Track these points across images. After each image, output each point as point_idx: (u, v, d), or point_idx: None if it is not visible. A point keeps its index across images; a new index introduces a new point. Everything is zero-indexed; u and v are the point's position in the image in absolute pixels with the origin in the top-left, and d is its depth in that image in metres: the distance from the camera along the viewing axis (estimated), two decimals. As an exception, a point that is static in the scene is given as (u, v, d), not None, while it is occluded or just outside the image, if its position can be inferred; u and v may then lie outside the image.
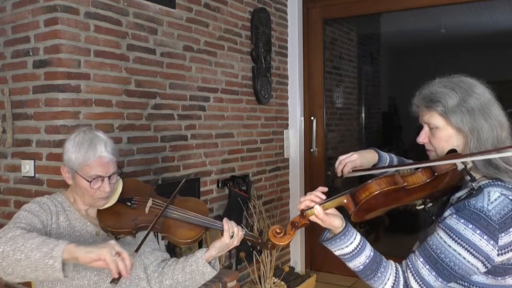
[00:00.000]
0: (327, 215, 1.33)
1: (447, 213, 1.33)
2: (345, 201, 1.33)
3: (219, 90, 3.13)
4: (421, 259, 1.31)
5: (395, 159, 1.78)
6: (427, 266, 1.30)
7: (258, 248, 1.76)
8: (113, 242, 1.35)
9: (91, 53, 2.29)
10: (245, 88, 3.39)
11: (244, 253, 3.08)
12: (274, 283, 3.24)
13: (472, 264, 1.26)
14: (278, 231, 1.38)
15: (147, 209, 1.68)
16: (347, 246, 1.35)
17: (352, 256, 1.35)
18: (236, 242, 1.66)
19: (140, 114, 2.55)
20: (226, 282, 2.73)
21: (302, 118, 3.95)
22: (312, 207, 1.34)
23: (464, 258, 1.26)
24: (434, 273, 1.29)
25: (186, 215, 1.68)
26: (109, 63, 2.37)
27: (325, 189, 1.41)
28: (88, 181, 1.58)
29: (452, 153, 1.35)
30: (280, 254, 3.63)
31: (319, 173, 4.02)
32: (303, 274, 3.78)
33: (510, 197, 1.29)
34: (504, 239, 1.25)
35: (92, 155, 1.59)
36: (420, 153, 1.50)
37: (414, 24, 5.45)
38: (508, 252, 1.27)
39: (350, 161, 1.64)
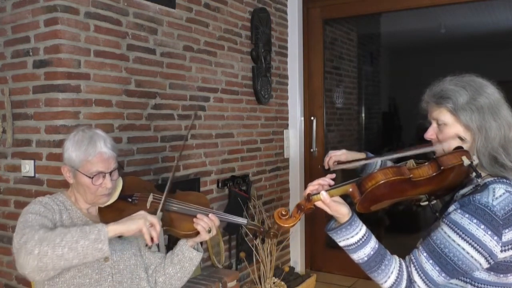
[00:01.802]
0: (333, 201, 1.33)
1: (451, 208, 1.34)
2: (350, 189, 1.33)
3: (219, 90, 3.13)
4: (425, 254, 1.31)
5: (389, 164, 1.78)
6: (431, 261, 1.30)
7: (261, 236, 1.81)
8: (142, 212, 1.51)
9: (91, 53, 2.29)
10: (245, 88, 3.39)
11: (244, 253, 3.08)
12: (274, 283, 3.24)
13: (475, 259, 1.27)
14: (283, 213, 1.37)
15: (148, 204, 1.70)
16: (352, 237, 1.34)
17: (357, 247, 1.34)
18: (214, 232, 1.71)
19: (140, 114, 2.55)
20: (226, 282, 2.73)
21: (302, 118, 3.95)
22: (319, 193, 1.34)
23: (468, 253, 1.26)
24: (437, 268, 1.29)
25: (187, 207, 1.71)
26: (109, 63, 2.37)
27: (333, 175, 1.42)
28: (89, 177, 1.59)
29: (459, 149, 1.36)
30: (280, 254, 3.63)
31: (319, 173, 4.01)
32: (303, 274, 3.78)
33: None
34: (507, 235, 1.26)
35: (92, 152, 1.60)
36: (424, 154, 1.51)
37: (414, 24, 5.45)
38: (510, 249, 1.27)
39: (335, 155, 1.81)
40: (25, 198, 2.33)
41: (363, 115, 5.46)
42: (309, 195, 1.35)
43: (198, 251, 1.76)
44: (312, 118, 3.97)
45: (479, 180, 1.34)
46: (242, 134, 3.37)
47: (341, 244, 1.37)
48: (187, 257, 1.73)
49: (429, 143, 1.49)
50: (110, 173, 1.63)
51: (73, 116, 2.22)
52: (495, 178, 1.35)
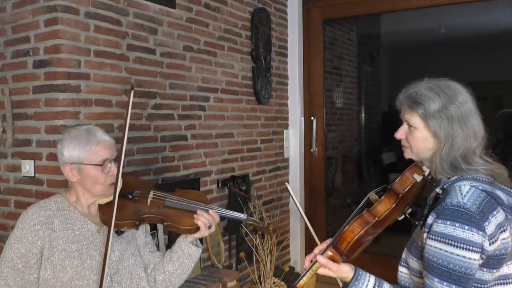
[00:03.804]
0: (332, 262, 1.38)
1: (430, 219, 1.35)
2: (330, 253, 1.39)
3: (219, 90, 3.13)
4: (436, 279, 1.30)
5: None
6: (445, 283, 1.29)
7: (261, 232, 1.84)
8: None
9: (91, 53, 2.29)
10: (245, 88, 3.39)
11: (244, 253, 3.08)
12: (274, 283, 3.24)
13: (475, 259, 1.28)
14: None
15: (149, 201, 1.70)
16: None
17: None
18: (214, 229, 1.72)
19: (140, 114, 2.55)
20: (226, 282, 2.73)
21: (302, 118, 3.95)
22: (315, 261, 1.40)
23: (470, 258, 1.27)
24: (454, 286, 1.28)
25: (188, 203, 1.72)
26: (109, 63, 2.37)
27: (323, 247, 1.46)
28: (99, 165, 1.61)
29: (412, 164, 1.41)
30: (280, 254, 3.63)
31: (319, 173, 4.02)
32: (303, 274, 3.77)
33: (480, 188, 1.33)
34: (489, 228, 1.28)
35: (94, 141, 1.63)
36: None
37: (414, 24, 5.44)
38: (496, 240, 1.30)
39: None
40: (25, 198, 2.33)
41: (363, 115, 5.45)
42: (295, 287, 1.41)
43: (197, 246, 1.76)
44: (312, 118, 3.97)
45: (437, 190, 1.38)
46: (242, 134, 3.37)
47: None
48: (186, 253, 1.72)
49: None
50: (115, 160, 1.65)
51: (73, 116, 2.22)
52: (458, 176, 1.38)
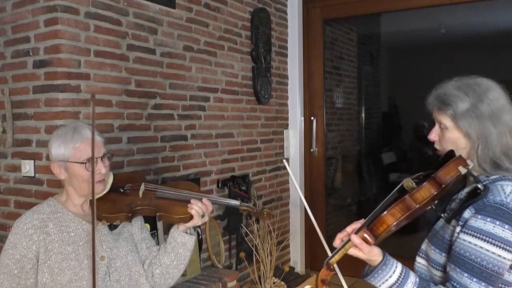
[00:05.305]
0: (364, 244, 1.31)
1: (466, 214, 1.32)
2: (365, 235, 1.32)
3: (219, 90, 3.13)
4: (466, 274, 1.28)
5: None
6: (475, 279, 1.27)
7: (255, 217, 1.82)
8: None
9: (91, 53, 2.29)
10: (245, 88, 3.39)
11: (244, 253, 3.08)
12: (274, 283, 3.24)
13: (508, 260, 1.27)
14: None
15: (140, 193, 1.70)
16: (390, 276, 1.32)
17: (398, 285, 1.32)
18: (207, 218, 1.69)
19: (140, 114, 2.55)
20: (226, 282, 2.73)
21: (302, 118, 3.95)
22: (348, 240, 1.33)
23: (505, 258, 1.26)
24: (483, 284, 1.26)
25: (179, 192, 1.71)
26: (109, 63, 2.37)
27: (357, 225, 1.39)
28: (82, 163, 1.59)
29: (453, 157, 1.35)
30: (280, 254, 3.63)
31: (319, 173, 4.02)
32: (303, 274, 3.78)
33: None
34: None
35: (79, 139, 1.61)
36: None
37: (414, 24, 5.45)
38: None
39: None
40: (25, 198, 2.33)
41: (363, 115, 5.46)
42: (328, 263, 1.35)
43: (190, 234, 1.73)
44: (312, 118, 3.97)
45: (479, 185, 1.34)
46: (242, 134, 3.37)
47: (383, 287, 1.34)
48: (180, 242, 1.70)
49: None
50: (102, 158, 1.62)
51: (73, 116, 2.22)
52: (499, 175, 1.36)
